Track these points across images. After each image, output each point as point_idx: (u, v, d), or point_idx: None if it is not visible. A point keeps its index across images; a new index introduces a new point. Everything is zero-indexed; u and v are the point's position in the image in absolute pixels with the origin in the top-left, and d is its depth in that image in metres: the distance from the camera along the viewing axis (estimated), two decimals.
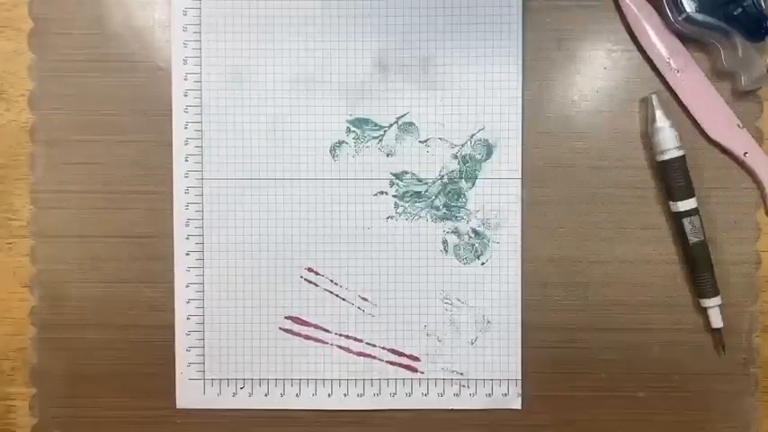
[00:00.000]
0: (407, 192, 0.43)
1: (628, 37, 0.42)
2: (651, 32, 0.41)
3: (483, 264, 0.43)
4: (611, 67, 0.43)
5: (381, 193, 0.43)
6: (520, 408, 0.43)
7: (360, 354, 0.43)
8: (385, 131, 0.43)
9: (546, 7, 0.42)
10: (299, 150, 0.43)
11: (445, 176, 0.43)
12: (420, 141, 0.43)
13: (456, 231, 0.43)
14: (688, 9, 0.39)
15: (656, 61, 0.42)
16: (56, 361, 0.43)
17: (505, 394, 0.43)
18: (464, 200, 0.43)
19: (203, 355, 0.43)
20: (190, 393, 0.43)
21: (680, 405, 0.43)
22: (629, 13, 0.42)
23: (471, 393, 0.43)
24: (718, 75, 0.42)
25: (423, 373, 0.43)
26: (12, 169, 0.43)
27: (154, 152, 0.43)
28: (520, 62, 0.42)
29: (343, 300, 0.43)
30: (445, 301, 0.43)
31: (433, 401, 0.43)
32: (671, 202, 0.42)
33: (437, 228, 0.43)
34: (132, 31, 0.43)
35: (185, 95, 0.42)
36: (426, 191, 0.43)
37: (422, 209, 0.43)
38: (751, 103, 0.42)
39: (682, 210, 0.41)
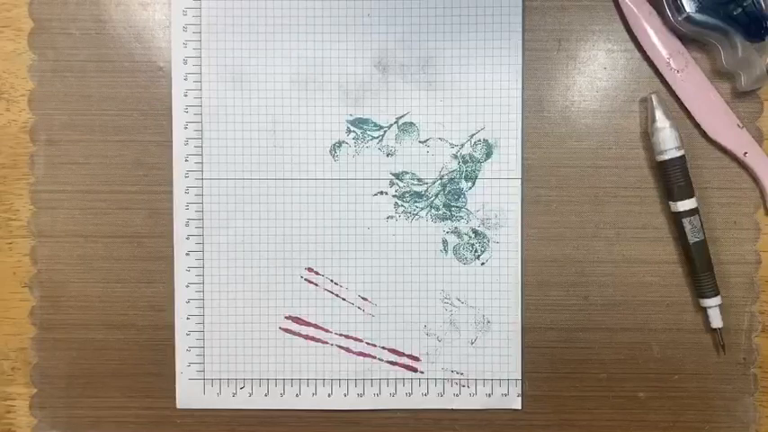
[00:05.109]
0: (407, 192, 0.43)
1: (628, 37, 0.42)
2: (651, 32, 0.41)
3: (483, 264, 0.43)
4: (611, 67, 0.43)
5: (381, 193, 0.43)
6: (520, 408, 0.43)
7: (360, 354, 0.43)
8: (385, 131, 0.43)
9: (546, 7, 0.42)
10: (299, 150, 0.43)
11: (445, 176, 0.43)
12: (420, 141, 0.43)
13: (456, 231, 0.43)
14: (688, 9, 0.39)
15: (655, 61, 0.42)
16: (56, 361, 0.43)
17: (505, 394, 0.43)
18: (464, 200, 0.43)
19: (203, 355, 0.43)
20: (190, 393, 0.43)
21: (679, 405, 0.43)
22: (628, 13, 0.42)
23: (471, 393, 0.43)
24: (719, 75, 0.42)
25: (423, 372, 0.43)
26: (12, 169, 0.43)
27: (154, 152, 0.43)
28: (520, 62, 0.42)
29: (344, 300, 0.43)
30: (445, 301, 0.43)
31: (433, 401, 0.43)
32: (671, 202, 0.42)
33: (437, 228, 0.43)
34: (132, 31, 0.43)
35: (185, 95, 0.42)
36: (426, 191, 0.43)
37: (422, 209, 0.43)
38: (751, 103, 0.42)
39: (682, 210, 0.41)
